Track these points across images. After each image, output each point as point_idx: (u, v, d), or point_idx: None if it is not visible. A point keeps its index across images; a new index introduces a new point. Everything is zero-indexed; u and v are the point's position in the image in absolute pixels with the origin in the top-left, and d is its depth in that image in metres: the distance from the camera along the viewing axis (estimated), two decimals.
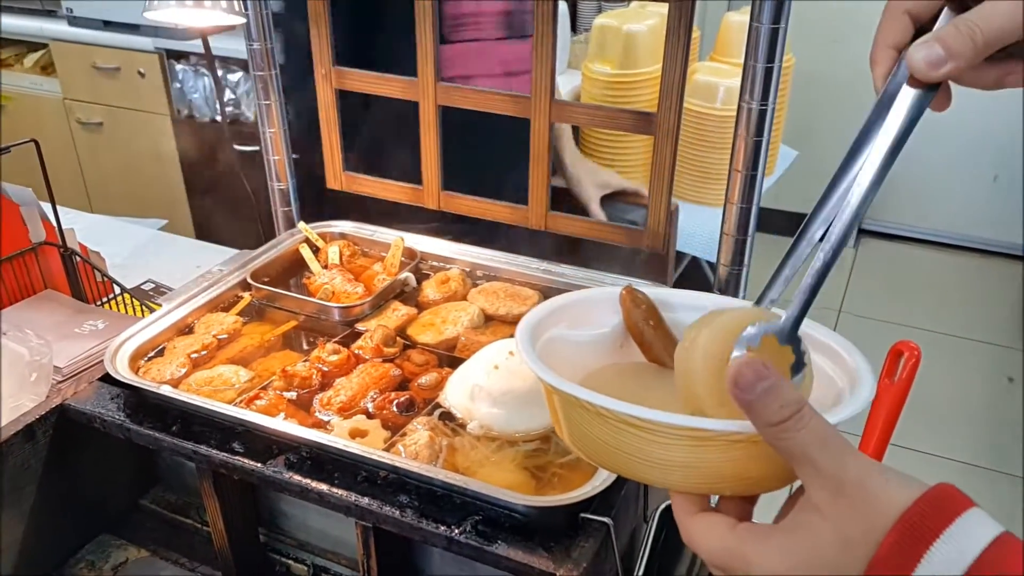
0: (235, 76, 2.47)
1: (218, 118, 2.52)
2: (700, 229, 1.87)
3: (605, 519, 0.62)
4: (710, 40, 2.16)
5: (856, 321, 2.90)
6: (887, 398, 0.70)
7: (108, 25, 2.48)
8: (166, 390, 0.75)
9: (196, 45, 2.32)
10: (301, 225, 1.01)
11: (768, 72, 0.82)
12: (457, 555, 0.64)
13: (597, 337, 0.55)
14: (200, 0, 0.98)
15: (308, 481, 0.68)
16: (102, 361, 0.79)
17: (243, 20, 0.96)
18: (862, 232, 3.54)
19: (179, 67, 2.50)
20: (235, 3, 0.97)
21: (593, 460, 0.49)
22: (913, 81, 0.44)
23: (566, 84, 1.96)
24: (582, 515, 0.63)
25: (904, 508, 0.38)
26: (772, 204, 3.34)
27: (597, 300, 0.57)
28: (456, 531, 0.63)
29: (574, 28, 2.17)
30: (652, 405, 0.43)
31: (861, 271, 3.34)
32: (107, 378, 0.79)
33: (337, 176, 1.05)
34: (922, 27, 0.46)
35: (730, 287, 0.90)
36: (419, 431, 0.72)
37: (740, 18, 2.03)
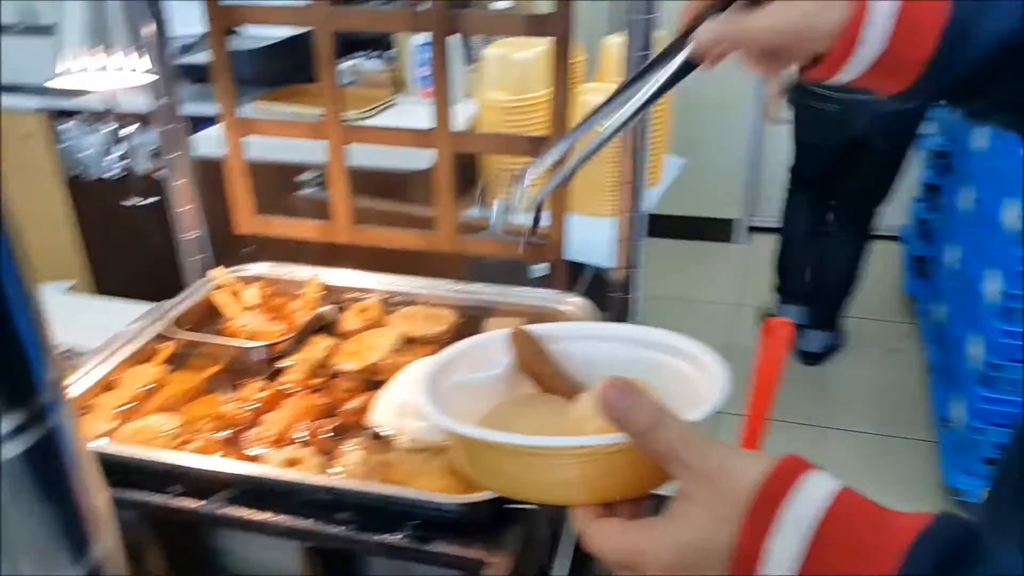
0: (125, 131, 2.44)
1: (109, 175, 2.49)
2: (600, 238, 1.96)
3: (531, 505, 0.68)
4: (594, 63, 2.27)
5: (749, 307, 3.06)
6: (766, 373, 0.78)
7: None
8: (103, 442, 0.77)
9: (83, 103, 2.29)
10: (216, 271, 1.04)
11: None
12: (399, 561, 0.68)
13: (494, 377, 0.60)
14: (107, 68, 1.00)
15: (250, 513, 0.71)
16: None
17: (153, 78, 0.99)
18: (752, 229, 3.74)
19: (66, 126, 2.46)
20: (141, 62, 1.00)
21: (503, 493, 0.53)
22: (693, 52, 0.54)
23: (463, 112, 2.04)
24: (506, 506, 0.68)
25: (758, 482, 0.43)
26: (665, 210, 3.50)
27: (489, 343, 0.61)
28: (395, 538, 0.68)
29: (467, 59, 2.25)
30: (547, 431, 0.49)
31: (753, 266, 3.53)
32: None
33: (247, 221, 1.08)
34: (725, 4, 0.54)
35: (626, 287, 0.98)
36: (352, 452, 0.76)
37: (619, 40, 2.14)
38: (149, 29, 0.96)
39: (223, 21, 0.96)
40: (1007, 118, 0.61)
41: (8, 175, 2.53)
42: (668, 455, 0.46)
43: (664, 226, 3.42)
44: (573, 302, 0.99)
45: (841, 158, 2.54)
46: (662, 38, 2.22)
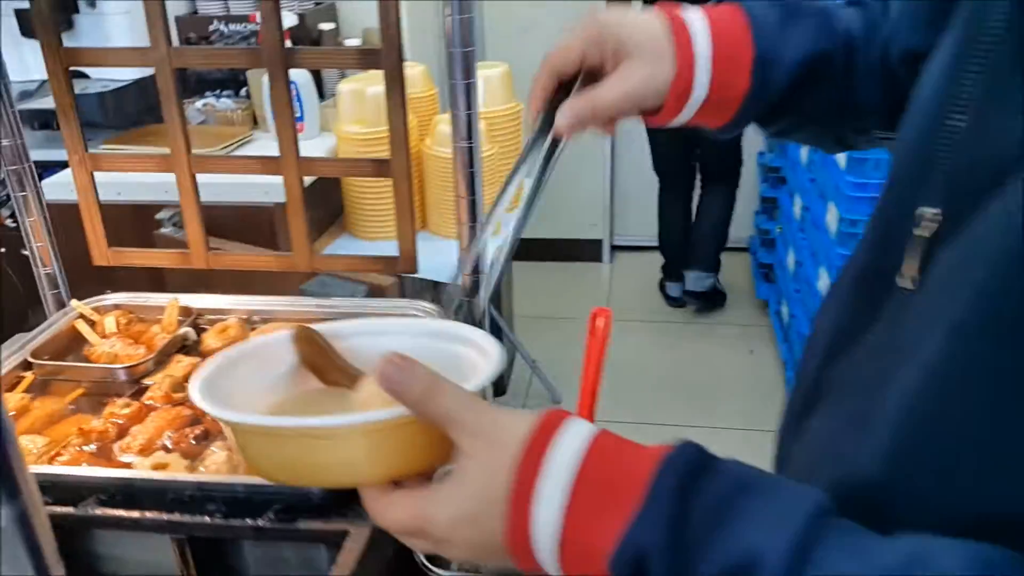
0: None
1: None
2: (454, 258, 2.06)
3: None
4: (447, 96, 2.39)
5: (621, 322, 3.25)
6: (592, 354, 0.90)
7: None
8: None
9: None
10: (74, 302, 1.07)
11: (469, 118, 1.01)
12: (268, 543, 0.75)
13: (279, 375, 0.62)
14: None
15: (121, 512, 0.75)
16: None
17: None
18: (615, 248, 3.96)
19: None
20: None
21: (292, 482, 0.54)
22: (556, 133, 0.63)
23: (321, 146, 2.10)
24: None
25: (526, 434, 0.46)
26: (536, 234, 3.67)
27: (273, 343, 0.63)
28: (261, 521, 0.74)
29: (321, 95, 2.32)
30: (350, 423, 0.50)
31: (617, 280, 3.74)
32: None
33: (103, 254, 1.12)
34: (567, 82, 0.63)
35: (474, 291, 1.08)
36: (216, 453, 0.82)
37: None
38: None
39: (64, 62, 1.01)
40: (806, 133, 0.71)
41: None
42: (445, 418, 0.49)
43: (536, 249, 3.59)
44: (425, 308, 1.07)
45: (688, 148, 3.14)
46: (485, 65, 2.36)
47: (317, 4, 2.45)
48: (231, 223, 1.63)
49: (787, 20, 0.65)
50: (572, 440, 0.46)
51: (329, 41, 2.29)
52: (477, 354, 0.61)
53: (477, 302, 1.10)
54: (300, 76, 2.09)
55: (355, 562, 0.71)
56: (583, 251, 3.92)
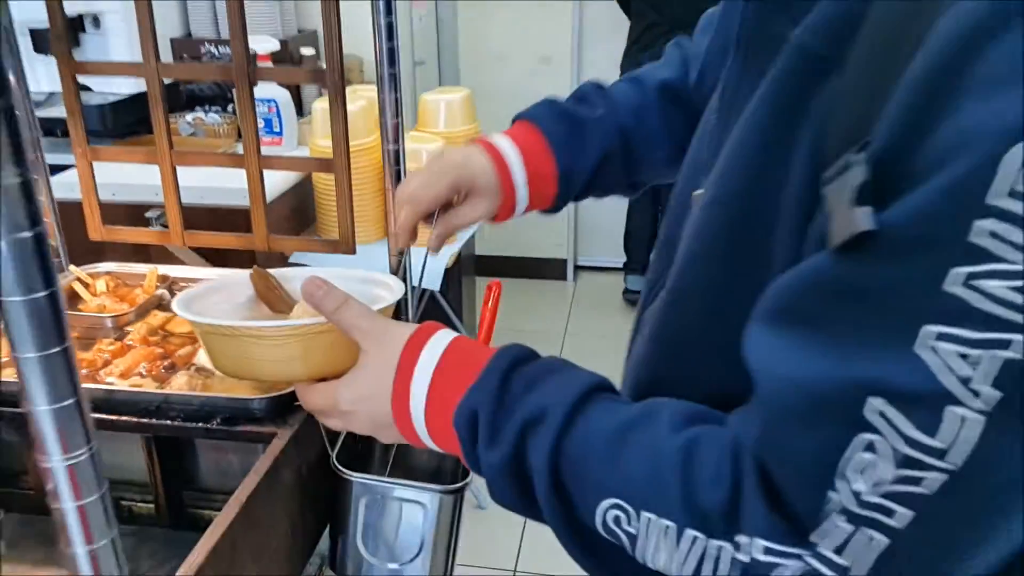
0: None
1: None
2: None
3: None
4: (414, 115, 2.64)
5: (583, 337, 3.48)
6: (485, 316, 1.12)
7: None
8: None
9: None
10: (72, 268, 1.30)
11: (398, 125, 1.24)
12: (215, 441, 0.97)
13: (239, 303, 0.88)
14: None
15: (101, 416, 0.98)
16: None
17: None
18: (579, 268, 4.20)
19: None
20: None
21: (243, 376, 0.77)
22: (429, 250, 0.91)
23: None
24: (294, 402, 0.99)
25: (408, 337, 0.66)
26: (505, 252, 3.92)
27: (236, 279, 0.89)
28: (211, 424, 0.96)
29: (300, 111, 2.57)
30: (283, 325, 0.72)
31: (580, 298, 3.97)
32: None
33: (98, 229, 1.35)
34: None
35: (399, 270, 1.31)
36: (181, 378, 1.04)
37: (434, 97, 2.53)
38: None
39: (72, 72, 1.24)
40: (606, 195, 0.99)
41: None
42: (352, 325, 0.68)
43: (503, 266, 3.83)
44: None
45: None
46: (448, 90, 2.64)
47: (300, 31, 2.70)
48: (210, 221, 1.87)
49: (574, 133, 0.92)
50: (438, 342, 0.66)
51: (309, 65, 2.54)
52: (387, 292, 0.86)
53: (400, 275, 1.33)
54: (281, 95, 2.34)
55: (280, 454, 0.93)
56: (548, 270, 4.16)
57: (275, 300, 0.90)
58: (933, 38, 0.41)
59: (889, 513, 0.44)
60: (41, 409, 0.47)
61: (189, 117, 2.40)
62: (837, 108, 0.48)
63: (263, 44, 2.25)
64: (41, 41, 2.05)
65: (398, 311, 0.99)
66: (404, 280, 1.29)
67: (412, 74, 3.14)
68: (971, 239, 0.39)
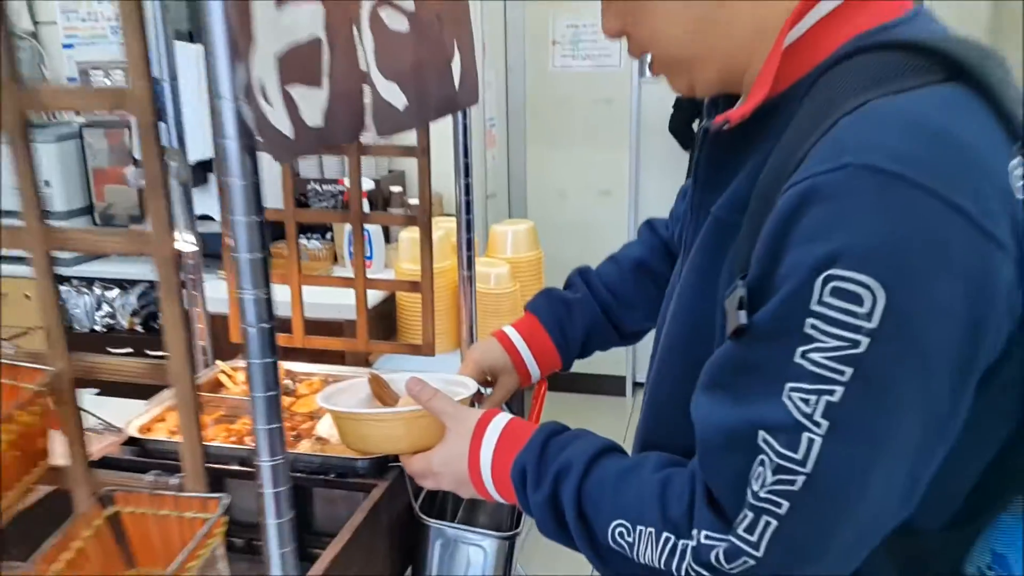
0: (110, 294, 3.07)
1: (97, 328, 3.08)
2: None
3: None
4: (483, 243, 3.04)
5: None
6: (534, 407, 1.44)
7: None
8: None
9: (76, 271, 2.92)
10: (218, 363, 1.67)
11: (469, 258, 1.60)
12: (332, 490, 1.29)
13: (363, 398, 1.18)
14: None
15: (247, 469, 1.31)
16: None
17: (194, 248, 1.66)
18: (636, 384, 4.44)
19: (61, 289, 3.07)
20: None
21: (364, 452, 1.15)
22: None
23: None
24: (389, 464, 1.31)
25: (477, 419, 0.94)
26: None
27: (359, 383, 1.20)
28: (328, 477, 1.29)
29: (388, 239, 3.00)
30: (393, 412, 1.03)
31: (634, 414, 4.19)
32: None
33: (237, 332, 1.73)
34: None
35: None
36: (304, 443, 1.38)
37: (502, 228, 2.92)
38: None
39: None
40: (608, 348, 1.35)
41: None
42: (440, 411, 0.96)
43: (563, 381, 4.11)
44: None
45: None
46: (515, 221, 3.07)
47: (390, 172, 3.17)
48: (315, 331, 2.27)
49: (563, 315, 1.27)
50: (499, 421, 0.93)
51: (397, 201, 2.98)
52: (464, 389, 1.18)
53: None
54: (374, 227, 2.78)
55: (378, 500, 1.25)
56: (607, 386, 4.38)
57: (385, 396, 1.23)
58: (775, 211, 0.67)
59: (776, 504, 0.70)
60: (265, 463, 0.81)
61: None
62: (735, 253, 0.79)
63: (363, 185, 2.71)
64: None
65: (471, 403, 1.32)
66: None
67: (484, 206, 3.57)
68: (804, 330, 0.67)
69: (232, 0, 0.67)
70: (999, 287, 0.65)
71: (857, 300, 0.63)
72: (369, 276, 1.64)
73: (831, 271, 0.64)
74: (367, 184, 2.77)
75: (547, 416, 1.49)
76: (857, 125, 0.67)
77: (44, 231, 0.87)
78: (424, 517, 1.31)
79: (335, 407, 1.08)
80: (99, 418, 1.46)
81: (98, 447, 1.39)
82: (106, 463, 1.35)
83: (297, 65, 0.76)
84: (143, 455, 1.38)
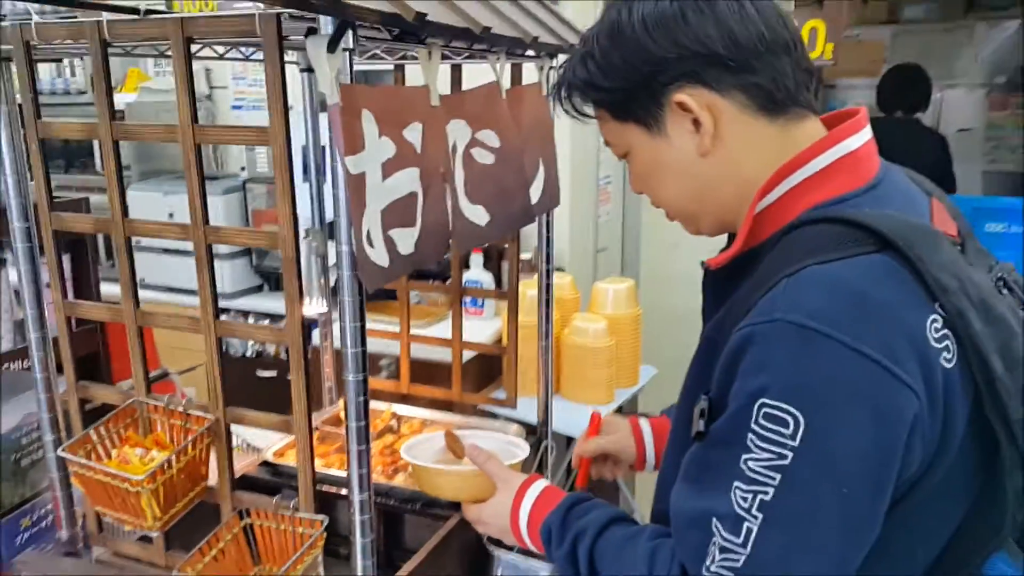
0: (263, 323, 3.50)
1: (248, 354, 3.54)
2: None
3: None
4: (587, 299, 3.28)
5: None
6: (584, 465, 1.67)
7: None
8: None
9: (235, 303, 3.35)
10: (340, 402, 2.01)
11: (547, 326, 1.86)
12: (415, 518, 1.58)
13: (436, 450, 1.50)
14: None
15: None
16: None
17: (324, 311, 2.01)
18: None
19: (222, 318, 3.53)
20: None
21: (435, 495, 1.43)
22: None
23: (491, 326, 3.06)
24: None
25: (522, 481, 1.23)
26: (644, 409, 4.34)
27: (436, 437, 1.51)
28: (416, 506, 1.58)
29: (499, 284, 3.29)
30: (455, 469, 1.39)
31: None
32: None
33: None
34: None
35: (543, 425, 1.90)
36: (399, 476, 1.68)
37: (604, 286, 3.15)
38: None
39: None
40: None
41: None
42: (492, 472, 1.28)
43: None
44: (509, 429, 1.90)
45: None
46: (615, 280, 3.29)
47: None
48: (424, 372, 2.59)
49: None
50: (536, 487, 1.22)
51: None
52: (520, 450, 1.47)
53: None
54: (485, 278, 3.09)
55: (453, 527, 1.53)
56: None
57: (457, 449, 1.53)
58: (727, 346, 0.87)
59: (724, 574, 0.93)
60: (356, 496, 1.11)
61: (415, 289, 3.19)
62: (708, 369, 1.01)
63: None
64: None
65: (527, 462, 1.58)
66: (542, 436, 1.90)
67: (594, 260, 3.81)
68: (746, 442, 0.88)
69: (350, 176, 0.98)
70: (904, 415, 0.82)
71: (784, 423, 0.82)
72: (481, 330, 1.92)
73: (763, 400, 0.83)
74: None
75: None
76: (791, 286, 0.87)
77: (216, 324, 1.20)
78: (491, 546, 1.58)
79: (414, 460, 1.38)
80: (248, 442, 1.83)
81: (241, 464, 1.74)
82: (245, 480, 1.70)
83: (397, 215, 1.06)
84: (275, 475, 1.72)
